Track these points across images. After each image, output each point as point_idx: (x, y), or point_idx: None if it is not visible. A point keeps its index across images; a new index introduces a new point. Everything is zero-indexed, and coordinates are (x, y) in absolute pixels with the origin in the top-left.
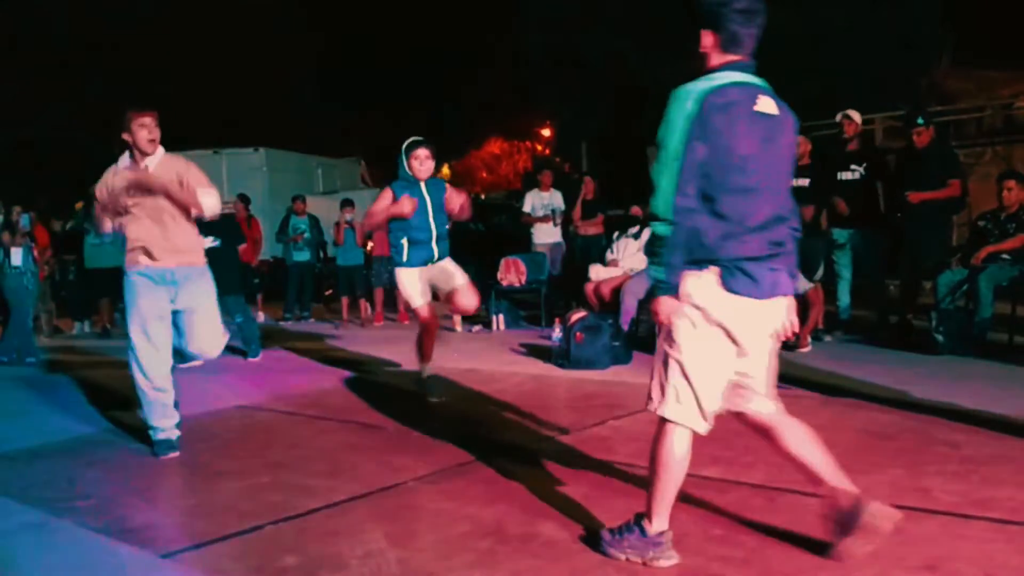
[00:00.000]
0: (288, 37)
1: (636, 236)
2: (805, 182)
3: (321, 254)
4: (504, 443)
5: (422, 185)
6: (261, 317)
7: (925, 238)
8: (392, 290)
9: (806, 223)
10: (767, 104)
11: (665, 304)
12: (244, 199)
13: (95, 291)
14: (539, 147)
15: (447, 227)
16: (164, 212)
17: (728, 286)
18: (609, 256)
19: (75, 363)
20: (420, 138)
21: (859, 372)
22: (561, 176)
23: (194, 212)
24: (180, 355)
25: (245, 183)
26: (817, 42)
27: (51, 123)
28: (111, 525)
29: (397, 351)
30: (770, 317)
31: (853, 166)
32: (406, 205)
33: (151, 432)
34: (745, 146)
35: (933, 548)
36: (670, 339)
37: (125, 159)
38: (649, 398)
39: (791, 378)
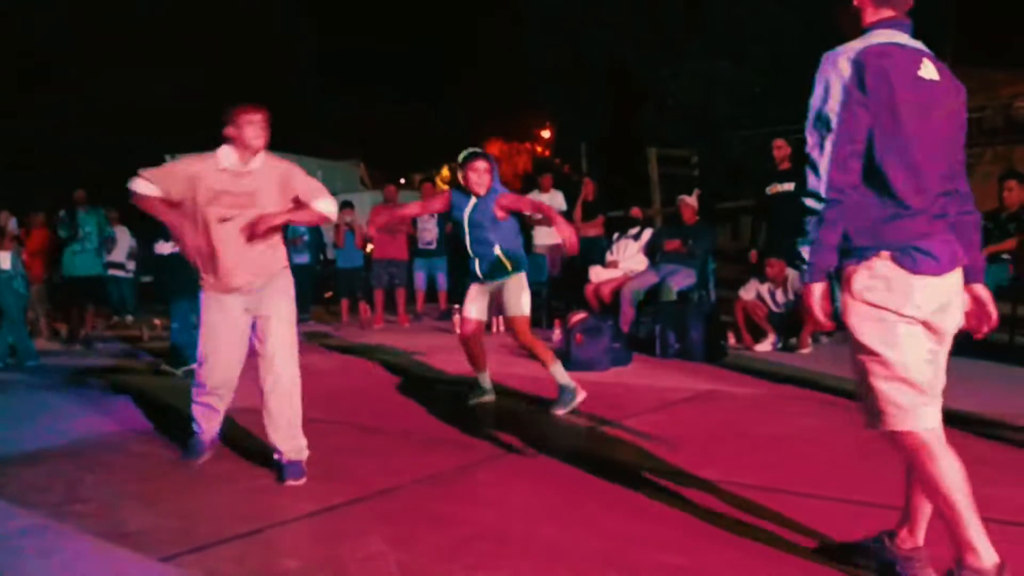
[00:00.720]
0: (288, 39)
1: (636, 237)
2: (790, 186)
3: (321, 256)
4: (504, 445)
5: (470, 200)
6: None
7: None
8: (392, 292)
9: (794, 226)
10: (929, 69)
11: (812, 293)
12: None
13: (74, 299)
14: (539, 148)
15: (493, 246)
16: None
17: (906, 267)
18: (609, 257)
19: (73, 366)
20: (477, 149)
21: None
22: (561, 177)
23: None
24: (178, 358)
25: None
26: (817, 40)
27: (51, 123)
28: (110, 529)
29: (395, 354)
30: (953, 292)
31: None
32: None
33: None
34: (907, 114)
35: (934, 550)
36: (860, 347)
37: (225, 155)
38: (868, 419)
39: (791, 379)
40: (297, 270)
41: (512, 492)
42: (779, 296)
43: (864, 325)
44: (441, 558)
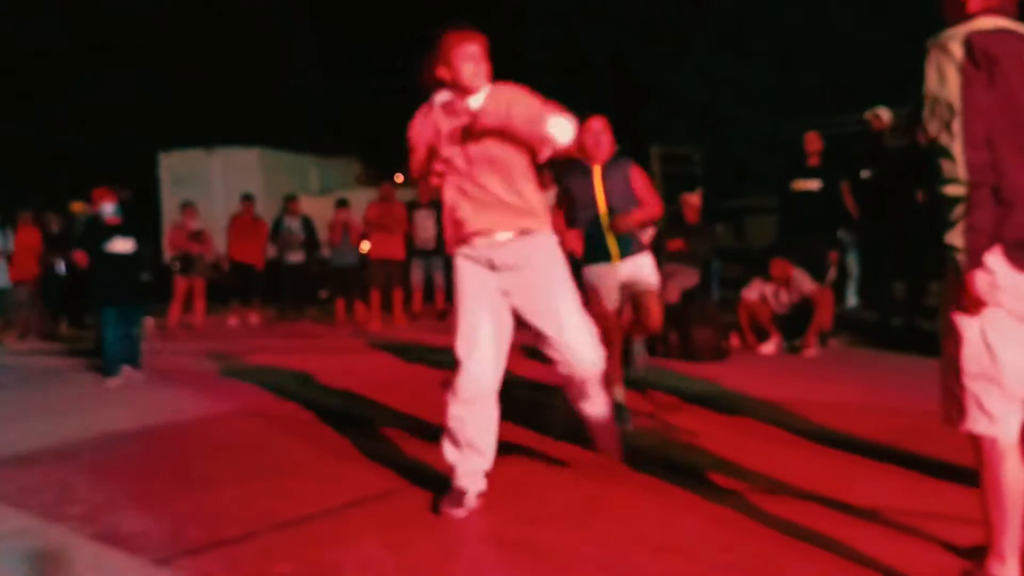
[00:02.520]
0: (284, 37)
1: None
2: (815, 184)
3: (315, 255)
4: (501, 448)
5: (593, 170)
6: (255, 319)
7: (934, 237)
8: (389, 291)
9: (815, 226)
10: None
11: (975, 282)
12: (250, 199)
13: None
14: None
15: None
16: (497, 167)
17: (1018, 263)
18: None
19: (69, 367)
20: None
21: (865, 375)
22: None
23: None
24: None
25: (239, 183)
26: (822, 37)
27: (46, 121)
28: (103, 531)
29: (392, 354)
30: None
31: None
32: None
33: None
34: (1023, 96)
35: (943, 552)
36: (959, 341)
37: (443, 97)
38: (945, 414)
39: (795, 382)
40: (291, 269)
41: (509, 496)
42: (783, 297)
43: (967, 320)
44: (437, 562)
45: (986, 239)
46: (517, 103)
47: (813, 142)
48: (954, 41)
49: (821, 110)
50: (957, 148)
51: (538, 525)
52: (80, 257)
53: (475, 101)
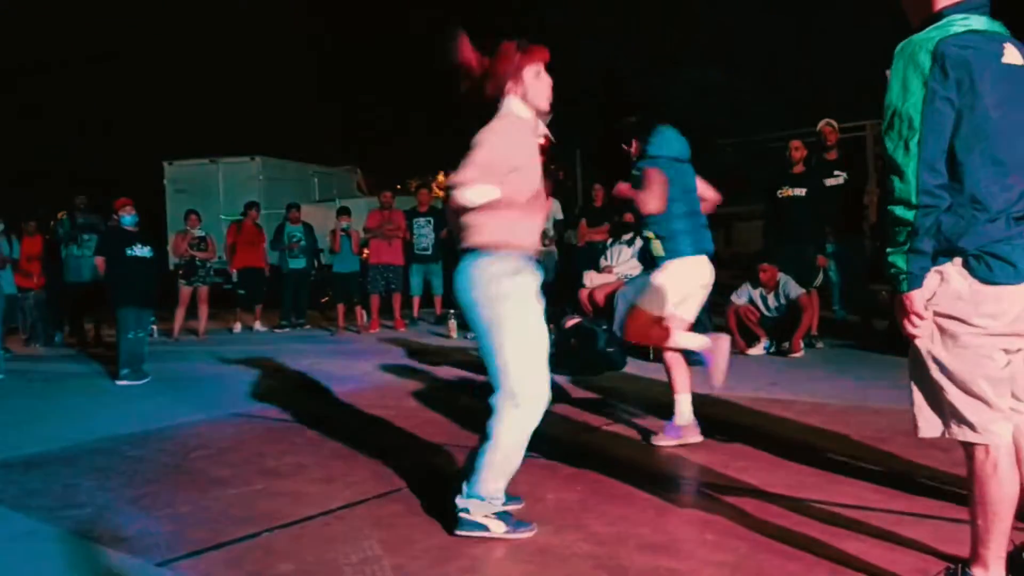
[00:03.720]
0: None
1: (630, 243)
2: (802, 191)
3: (316, 262)
4: None
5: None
6: (258, 326)
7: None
8: (388, 297)
9: (802, 231)
10: (1013, 54)
11: (914, 301)
12: (254, 206)
13: (76, 307)
14: None
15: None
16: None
17: (979, 276)
18: (603, 262)
19: (72, 372)
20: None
21: (851, 377)
22: (556, 184)
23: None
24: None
25: (241, 192)
26: (809, 48)
27: (51, 131)
28: (106, 533)
29: (392, 358)
30: None
31: (836, 172)
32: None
33: (467, 503)
34: (994, 107)
35: (926, 552)
36: (927, 353)
37: (522, 111)
38: (920, 425)
39: (784, 384)
40: (293, 275)
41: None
42: (771, 301)
43: (930, 333)
44: (435, 562)
45: (927, 263)
46: None
47: (798, 149)
48: (922, 51)
49: (808, 119)
50: (912, 168)
51: (535, 525)
52: (100, 263)
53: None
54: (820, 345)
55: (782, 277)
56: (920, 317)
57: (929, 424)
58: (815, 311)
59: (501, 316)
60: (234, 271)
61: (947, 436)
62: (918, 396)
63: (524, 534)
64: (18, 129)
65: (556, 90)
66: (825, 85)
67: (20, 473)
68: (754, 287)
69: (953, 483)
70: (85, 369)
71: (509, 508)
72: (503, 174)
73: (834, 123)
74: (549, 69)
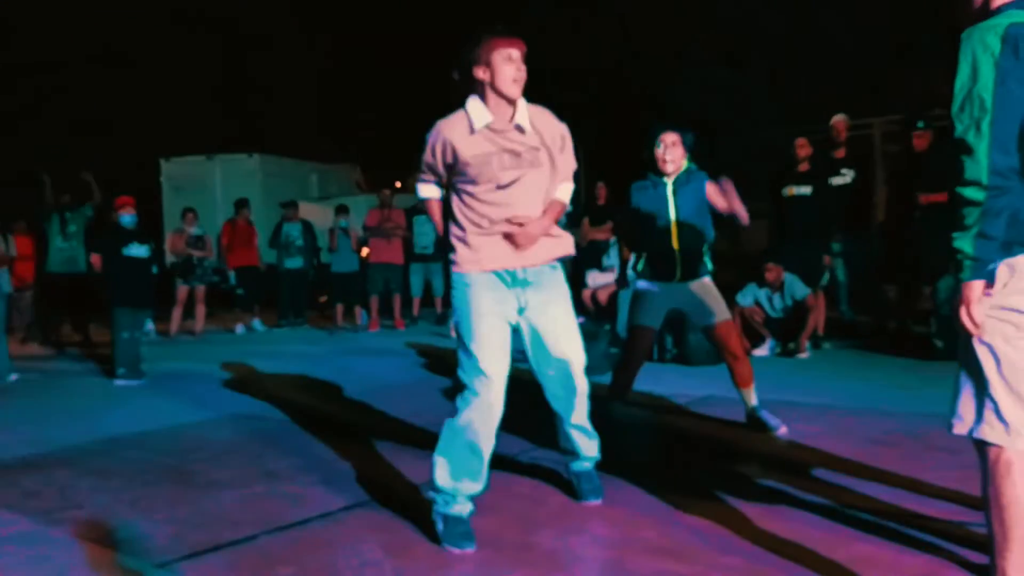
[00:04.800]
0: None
1: None
2: (807, 190)
3: (315, 261)
4: (499, 452)
5: (668, 183)
6: (256, 325)
7: (928, 242)
8: (388, 297)
9: (807, 230)
10: None
11: (974, 290)
12: (245, 204)
13: (56, 302)
14: None
15: (703, 238)
16: (539, 191)
17: None
18: (607, 262)
19: (68, 371)
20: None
21: (858, 378)
22: None
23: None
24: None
25: (239, 189)
26: (814, 46)
27: (46, 128)
28: (105, 536)
29: (392, 359)
30: None
31: (844, 170)
32: None
33: (438, 499)
34: None
35: (934, 555)
36: (982, 345)
37: (477, 113)
38: (956, 419)
39: (789, 385)
40: (290, 274)
41: (509, 499)
42: (777, 301)
43: (991, 325)
44: (437, 566)
45: (996, 250)
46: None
47: (803, 148)
48: (992, 33)
49: (813, 117)
50: (983, 149)
51: (535, 528)
52: (96, 261)
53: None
54: (826, 346)
55: (788, 277)
56: (969, 316)
57: (963, 421)
58: (821, 311)
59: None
60: (231, 271)
61: (974, 435)
62: (965, 390)
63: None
64: (12, 126)
65: (562, 86)
66: (829, 83)
67: (19, 474)
68: (759, 287)
69: (961, 486)
70: (82, 369)
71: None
72: (441, 173)
73: (847, 119)
74: (548, 69)
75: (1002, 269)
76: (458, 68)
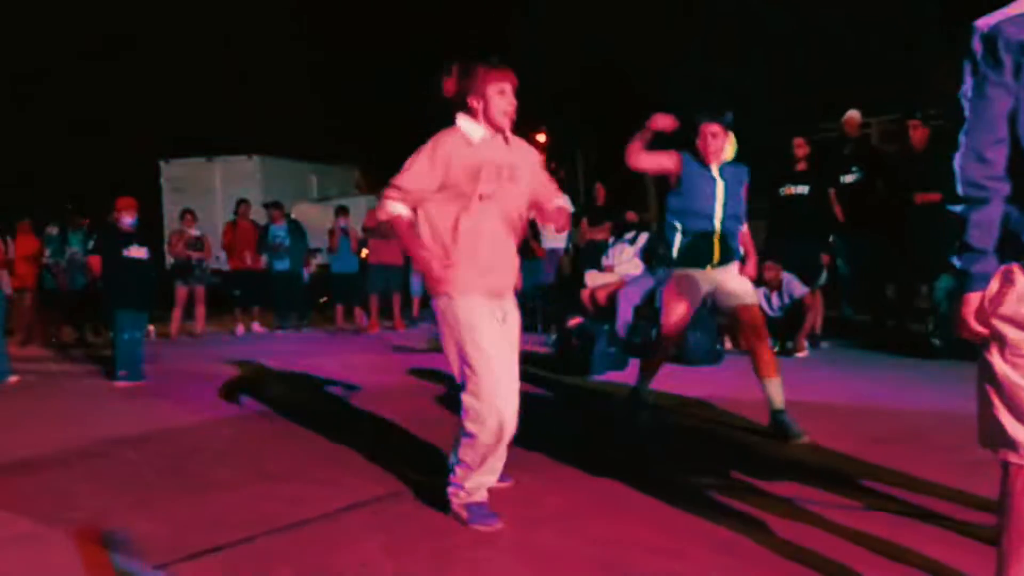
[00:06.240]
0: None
1: (632, 241)
2: (804, 189)
3: (306, 261)
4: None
5: (713, 168)
6: (257, 327)
7: (925, 240)
8: (387, 297)
9: (805, 229)
10: None
11: (969, 304)
12: (245, 204)
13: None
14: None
15: (741, 225)
16: (516, 213)
17: None
18: (605, 262)
19: (68, 373)
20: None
21: (856, 377)
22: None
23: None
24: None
25: (239, 191)
26: (813, 45)
27: (47, 130)
28: (103, 536)
29: (391, 359)
30: None
31: (854, 168)
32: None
33: (461, 494)
34: None
35: (933, 554)
36: (983, 359)
37: (470, 128)
38: (981, 437)
39: (787, 384)
40: (279, 276)
41: (508, 499)
42: (775, 300)
43: (991, 342)
44: (436, 565)
45: (988, 262)
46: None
47: (801, 147)
48: (974, 36)
49: (814, 116)
50: (958, 160)
51: (535, 527)
52: (95, 262)
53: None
54: (824, 345)
55: (786, 276)
56: (970, 328)
57: (983, 434)
58: (819, 311)
59: None
60: (229, 272)
61: (989, 449)
62: (979, 403)
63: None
64: (12, 126)
65: (562, 84)
66: (829, 81)
67: (18, 475)
68: (757, 286)
69: (960, 484)
70: (82, 370)
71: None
72: (427, 192)
73: (860, 115)
74: (546, 69)
75: (996, 281)
76: (454, 92)
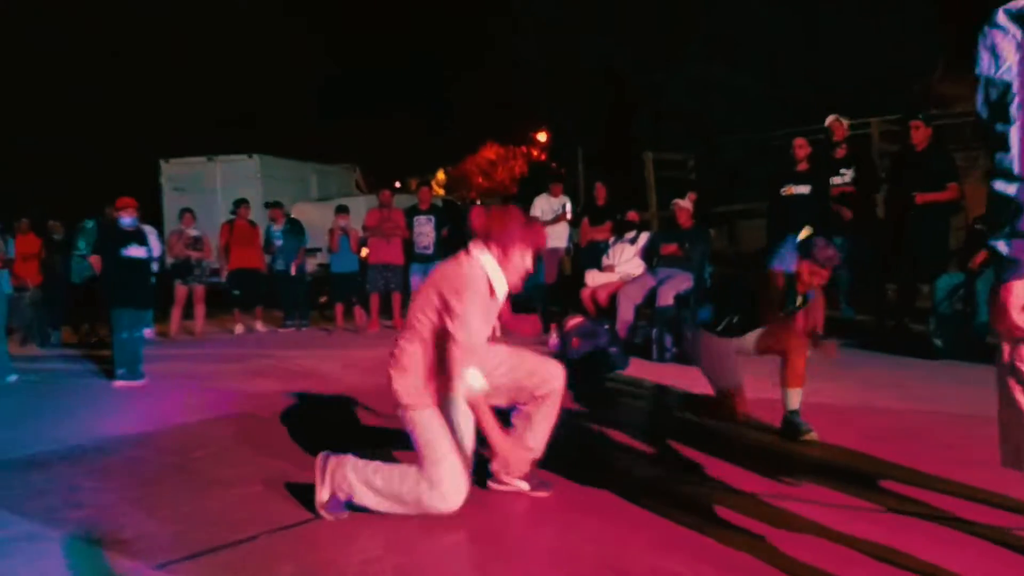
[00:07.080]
0: (284, 45)
1: (632, 241)
2: (805, 189)
3: (303, 260)
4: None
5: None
6: (259, 327)
7: (926, 240)
8: (387, 297)
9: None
10: None
11: (1014, 293)
12: (244, 204)
13: (82, 304)
14: (535, 152)
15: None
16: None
17: None
18: (605, 261)
19: (70, 371)
20: None
21: (857, 377)
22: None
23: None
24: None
25: (239, 190)
26: (813, 45)
27: (48, 129)
28: (105, 536)
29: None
30: None
31: (843, 170)
32: None
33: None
34: None
35: (932, 553)
36: (1009, 371)
37: (496, 279)
38: (1005, 456)
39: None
40: (274, 277)
41: (509, 497)
42: None
43: (1020, 347)
44: (438, 562)
45: None
46: None
47: (802, 147)
48: (1008, 17)
49: (812, 117)
50: (1015, 136)
51: (534, 526)
52: (95, 261)
53: None
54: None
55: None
56: (1013, 318)
57: (1009, 454)
58: (821, 310)
59: None
60: (227, 272)
61: (1016, 469)
62: (1000, 415)
63: None
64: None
65: (558, 84)
66: (829, 82)
67: (20, 474)
68: None
69: (959, 484)
70: (82, 369)
71: None
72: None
73: (842, 119)
74: (546, 68)
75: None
76: (480, 230)
